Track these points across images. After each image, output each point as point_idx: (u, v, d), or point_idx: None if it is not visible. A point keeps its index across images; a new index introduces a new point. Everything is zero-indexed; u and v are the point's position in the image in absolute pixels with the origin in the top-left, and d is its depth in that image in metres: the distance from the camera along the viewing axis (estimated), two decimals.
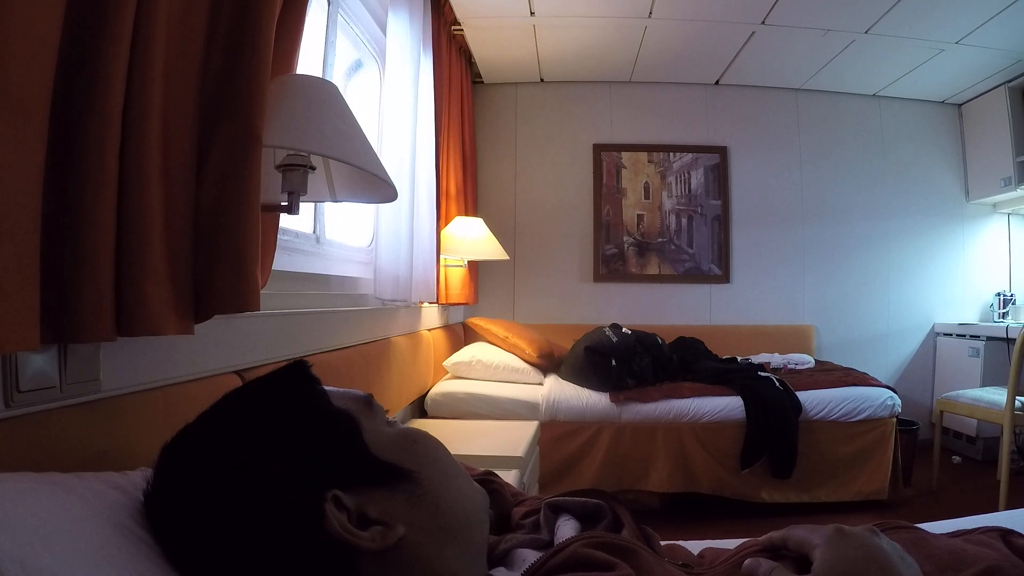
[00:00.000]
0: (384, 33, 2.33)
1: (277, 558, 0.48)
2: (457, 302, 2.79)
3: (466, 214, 2.86)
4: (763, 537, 0.64)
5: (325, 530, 0.48)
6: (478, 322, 2.89)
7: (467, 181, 3.00)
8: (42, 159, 0.55)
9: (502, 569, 0.61)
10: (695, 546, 0.79)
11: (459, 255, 2.63)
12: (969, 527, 0.78)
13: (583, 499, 0.71)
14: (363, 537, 0.49)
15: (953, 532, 0.75)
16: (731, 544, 0.75)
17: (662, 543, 0.71)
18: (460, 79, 2.93)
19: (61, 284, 0.60)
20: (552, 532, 0.68)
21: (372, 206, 2.23)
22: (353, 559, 0.49)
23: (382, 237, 1.85)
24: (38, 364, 0.63)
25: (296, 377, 0.58)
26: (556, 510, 0.71)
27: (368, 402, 0.61)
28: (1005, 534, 0.71)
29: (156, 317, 0.69)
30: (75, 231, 0.60)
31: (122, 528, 0.50)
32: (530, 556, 0.62)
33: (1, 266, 0.51)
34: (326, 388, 0.60)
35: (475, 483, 0.63)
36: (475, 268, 3.19)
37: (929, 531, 0.71)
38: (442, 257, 2.53)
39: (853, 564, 0.52)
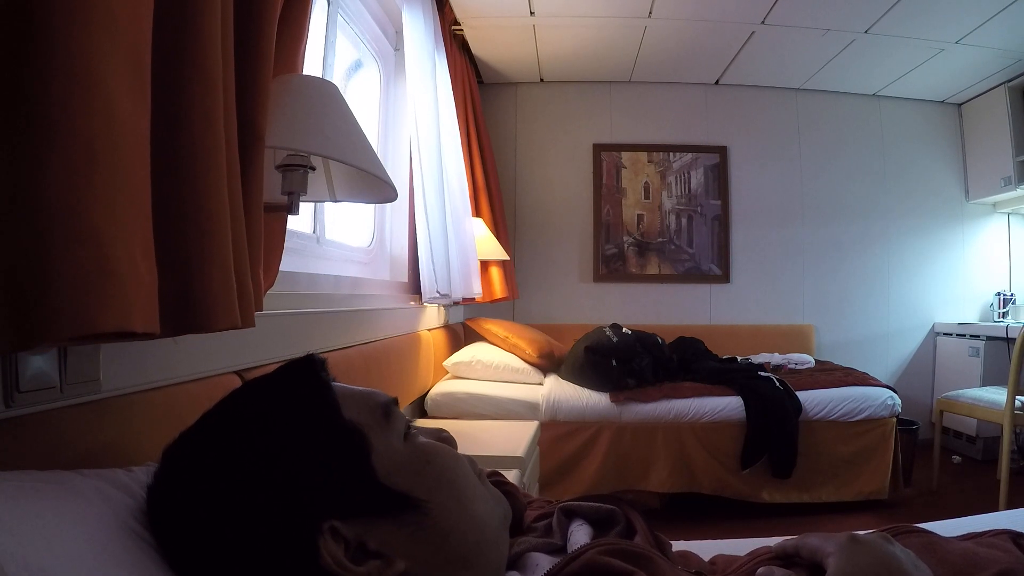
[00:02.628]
0: (384, 33, 2.34)
1: None
2: (501, 297, 2.86)
3: (492, 214, 2.87)
4: (775, 544, 0.64)
5: (318, 564, 0.46)
6: (478, 322, 2.89)
7: (488, 180, 2.99)
8: (149, 116, 0.49)
9: (515, 573, 0.61)
10: (698, 546, 0.79)
11: None
12: (973, 527, 0.78)
13: (596, 504, 0.70)
14: (358, 573, 0.47)
15: (964, 535, 0.75)
16: (734, 545, 0.75)
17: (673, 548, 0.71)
18: (466, 78, 2.93)
19: (185, 264, 0.53)
20: (565, 537, 0.67)
21: (375, 206, 2.23)
22: None
23: (433, 234, 1.89)
24: (38, 364, 0.63)
25: (305, 378, 0.55)
26: (569, 514, 0.71)
27: (386, 413, 0.56)
28: (1016, 537, 0.71)
29: (249, 307, 0.64)
30: (195, 206, 0.53)
31: (126, 528, 0.49)
32: (543, 560, 0.61)
33: (122, 230, 0.44)
34: (344, 388, 0.56)
35: (492, 500, 0.59)
36: (511, 265, 3.19)
37: (940, 535, 0.71)
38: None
39: (866, 572, 0.52)
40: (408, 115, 1.99)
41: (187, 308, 0.55)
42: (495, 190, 3.09)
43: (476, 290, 2.30)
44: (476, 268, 2.33)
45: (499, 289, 2.87)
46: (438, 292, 1.87)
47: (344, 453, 0.51)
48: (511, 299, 3.10)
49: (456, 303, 2.28)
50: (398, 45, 2.38)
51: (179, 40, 0.55)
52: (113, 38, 0.44)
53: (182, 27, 0.55)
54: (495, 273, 2.84)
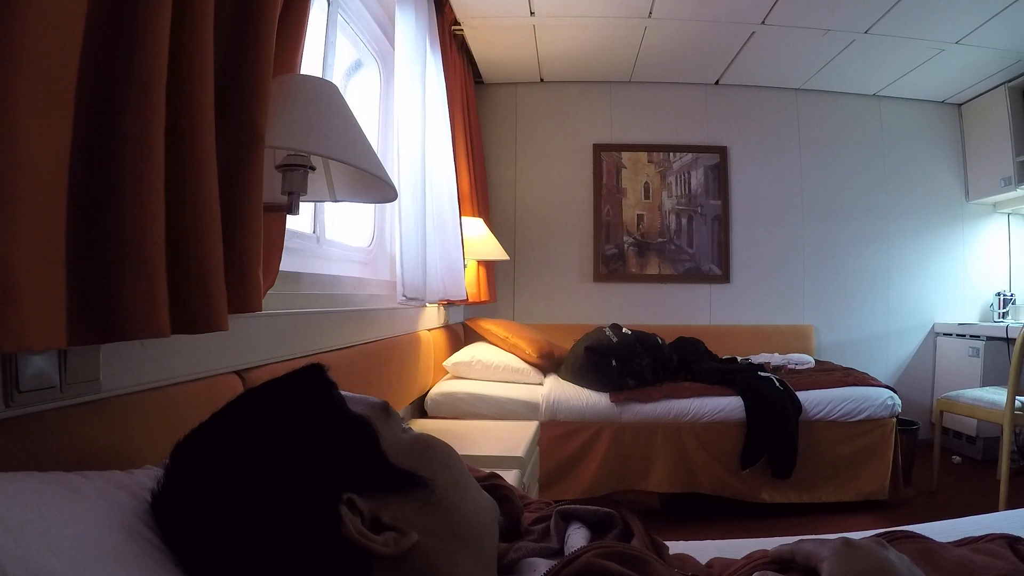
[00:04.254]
0: (384, 33, 2.33)
1: (290, 560, 0.48)
2: (478, 300, 2.82)
3: (476, 214, 2.86)
4: (772, 549, 0.65)
5: (340, 533, 0.48)
6: (478, 322, 2.89)
7: (476, 181, 3.00)
8: (69, 141, 0.51)
9: None
10: (696, 547, 0.79)
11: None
12: (972, 528, 0.78)
13: (594, 507, 0.71)
14: (377, 541, 0.49)
15: (960, 540, 0.75)
16: (733, 545, 0.75)
17: (670, 551, 0.71)
18: (463, 79, 2.93)
19: (104, 275, 0.56)
20: (562, 540, 0.68)
21: (375, 206, 2.23)
22: (366, 564, 0.49)
23: (405, 236, 1.86)
24: (38, 364, 0.63)
25: (313, 380, 0.58)
26: (567, 518, 0.71)
27: (385, 409, 0.61)
28: (1012, 542, 0.71)
29: (212, 311, 0.66)
30: (119, 217, 0.55)
31: (128, 529, 0.49)
32: (540, 565, 0.62)
33: (24, 253, 0.47)
34: (343, 393, 0.60)
35: (484, 492, 0.63)
36: (491, 267, 3.19)
37: (936, 540, 0.71)
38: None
39: None
40: (393, 116, 1.97)
41: (105, 317, 0.56)
42: (482, 191, 3.10)
43: (460, 293, 2.27)
44: (461, 271, 2.29)
45: (483, 291, 2.85)
46: (404, 296, 1.83)
47: (355, 437, 0.55)
48: (488, 303, 3.09)
49: (435, 304, 2.25)
50: None
51: (120, 59, 0.56)
52: (28, 78, 0.46)
53: (124, 48, 0.57)
54: (475, 274, 2.80)
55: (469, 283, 2.78)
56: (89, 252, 0.55)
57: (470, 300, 2.74)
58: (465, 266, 2.77)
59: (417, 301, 1.92)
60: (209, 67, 0.67)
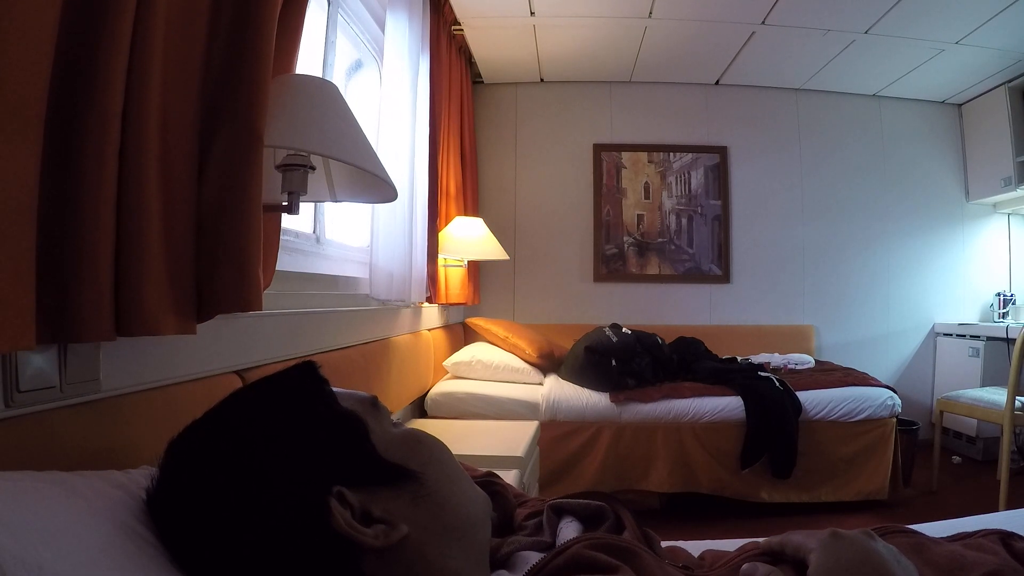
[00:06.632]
0: (384, 33, 2.33)
1: (282, 554, 0.48)
2: (457, 302, 2.79)
3: (466, 214, 2.86)
4: (762, 541, 0.65)
5: (330, 526, 0.49)
6: (478, 322, 2.89)
7: (467, 181, 2.99)
8: (38, 160, 0.55)
9: (504, 572, 0.62)
10: (695, 546, 0.79)
11: (459, 255, 2.63)
12: (969, 529, 0.78)
13: (585, 501, 0.71)
14: (367, 534, 0.50)
15: (953, 536, 0.75)
16: (731, 545, 0.75)
17: (663, 544, 0.72)
18: (460, 79, 2.93)
19: (61, 284, 0.60)
20: (554, 534, 0.69)
21: (368, 206, 2.22)
22: (357, 556, 0.50)
23: (380, 237, 1.85)
24: (38, 364, 0.63)
25: (305, 377, 0.59)
26: (559, 512, 0.72)
27: (374, 403, 0.61)
28: (1005, 537, 0.71)
29: (155, 317, 0.69)
30: (75, 231, 0.60)
31: (125, 527, 0.50)
32: (533, 558, 0.62)
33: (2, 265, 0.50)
34: (335, 389, 0.60)
35: (476, 486, 0.64)
36: (475, 268, 3.18)
37: (929, 535, 0.72)
38: (442, 257, 2.52)
39: (847, 567, 0.53)
40: (383, 117, 1.94)
41: (61, 320, 0.61)
42: (472, 191, 3.11)
43: (421, 294, 2.21)
44: (424, 270, 2.22)
45: (457, 293, 2.81)
46: (372, 296, 1.80)
47: (345, 432, 0.55)
48: (470, 304, 3.07)
49: (410, 306, 2.21)
50: None
51: (84, 86, 0.61)
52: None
53: (87, 76, 0.61)
54: (455, 275, 2.77)
55: (459, 284, 2.76)
56: (52, 263, 0.60)
57: (452, 301, 2.72)
58: (464, 265, 2.77)
59: (398, 302, 1.90)
60: (156, 95, 0.70)
